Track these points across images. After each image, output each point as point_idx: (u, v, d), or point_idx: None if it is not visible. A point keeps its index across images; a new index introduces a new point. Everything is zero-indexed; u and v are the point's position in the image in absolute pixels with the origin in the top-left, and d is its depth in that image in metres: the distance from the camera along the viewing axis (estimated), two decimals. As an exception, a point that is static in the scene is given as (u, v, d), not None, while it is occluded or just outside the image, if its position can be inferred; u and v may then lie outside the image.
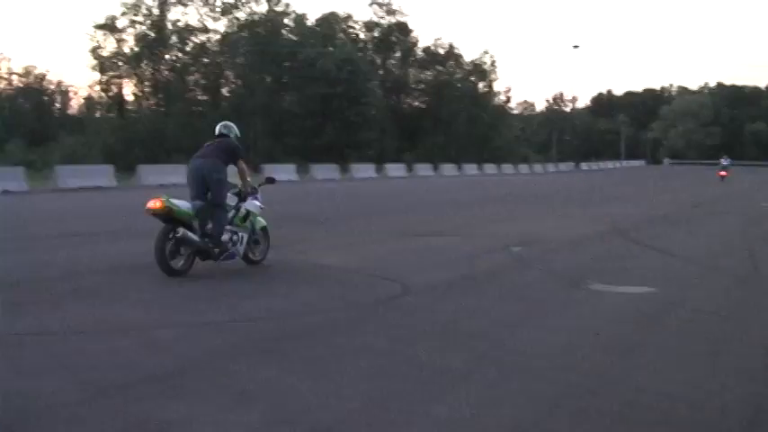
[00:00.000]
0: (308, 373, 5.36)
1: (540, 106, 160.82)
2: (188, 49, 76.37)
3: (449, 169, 63.32)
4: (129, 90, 77.25)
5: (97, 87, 76.76)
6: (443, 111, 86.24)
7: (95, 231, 14.95)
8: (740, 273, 10.66)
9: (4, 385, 4.99)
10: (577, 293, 8.82)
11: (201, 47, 76.63)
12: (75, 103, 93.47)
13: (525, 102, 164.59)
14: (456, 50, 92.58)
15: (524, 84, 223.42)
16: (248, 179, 10.52)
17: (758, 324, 7.39)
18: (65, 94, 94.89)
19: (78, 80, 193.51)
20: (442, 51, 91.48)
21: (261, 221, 10.80)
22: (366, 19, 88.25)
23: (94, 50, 72.39)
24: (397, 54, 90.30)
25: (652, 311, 7.91)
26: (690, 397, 5.03)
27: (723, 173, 53.83)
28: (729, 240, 15.14)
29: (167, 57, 75.88)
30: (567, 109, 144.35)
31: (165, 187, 33.78)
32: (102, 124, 70.01)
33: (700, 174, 67.75)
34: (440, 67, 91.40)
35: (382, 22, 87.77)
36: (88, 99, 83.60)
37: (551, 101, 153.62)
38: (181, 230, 9.33)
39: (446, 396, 4.94)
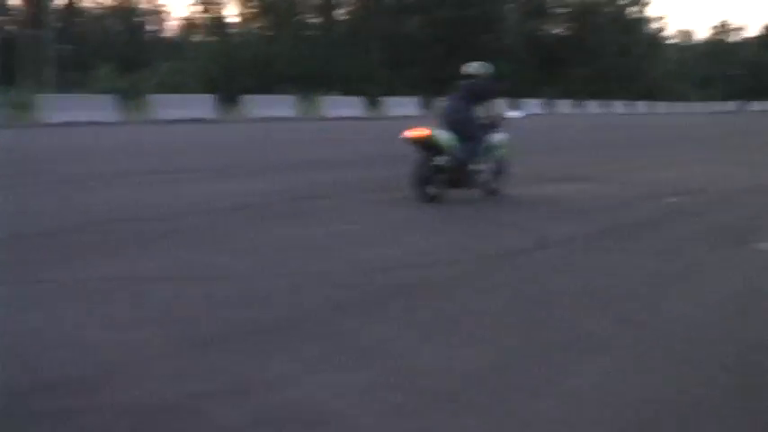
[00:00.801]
0: (424, 334, 5.23)
1: (701, 36, 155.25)
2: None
3: (593, 106, 61.92)
4: (233, 11, 77.19)
5: (197, 8, 77.04)
6: (588, 40, 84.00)
7: (194, 168, 15.14)
8: None
9: (86, 336, 5.03)
10: (742, 253, 8.38)
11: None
12: (172, 26, 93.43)
13: (683, 31, 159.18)
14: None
15: (682, 10, 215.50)
16: (497, 115, 12.11)
17: None
18: (159, 14, 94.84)
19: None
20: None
21: (502, 153, 12.02)
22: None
23: (195, -33, 72.82)
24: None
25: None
26: None
27: None
28: None
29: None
30: (734, 39, 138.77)
31: (269, 120, 34.00)
32: (202, 49, 70.39)
33: None
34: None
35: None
36: (186, 21, 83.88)
37: (714, 30, 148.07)
38: (440, 159, 10.77)
39: (580, 365, 4.72)
